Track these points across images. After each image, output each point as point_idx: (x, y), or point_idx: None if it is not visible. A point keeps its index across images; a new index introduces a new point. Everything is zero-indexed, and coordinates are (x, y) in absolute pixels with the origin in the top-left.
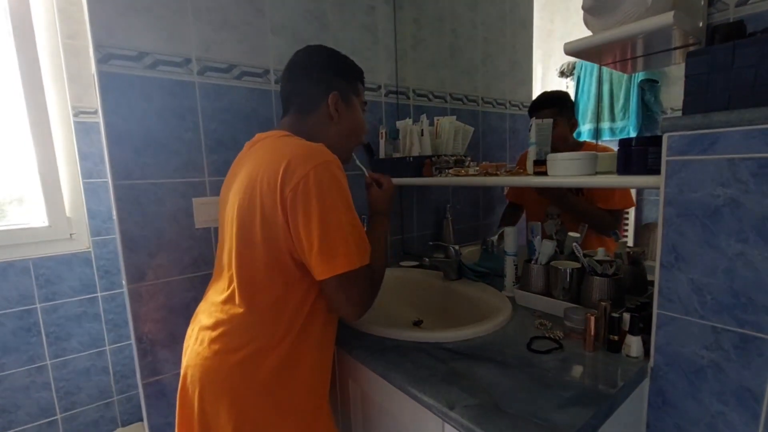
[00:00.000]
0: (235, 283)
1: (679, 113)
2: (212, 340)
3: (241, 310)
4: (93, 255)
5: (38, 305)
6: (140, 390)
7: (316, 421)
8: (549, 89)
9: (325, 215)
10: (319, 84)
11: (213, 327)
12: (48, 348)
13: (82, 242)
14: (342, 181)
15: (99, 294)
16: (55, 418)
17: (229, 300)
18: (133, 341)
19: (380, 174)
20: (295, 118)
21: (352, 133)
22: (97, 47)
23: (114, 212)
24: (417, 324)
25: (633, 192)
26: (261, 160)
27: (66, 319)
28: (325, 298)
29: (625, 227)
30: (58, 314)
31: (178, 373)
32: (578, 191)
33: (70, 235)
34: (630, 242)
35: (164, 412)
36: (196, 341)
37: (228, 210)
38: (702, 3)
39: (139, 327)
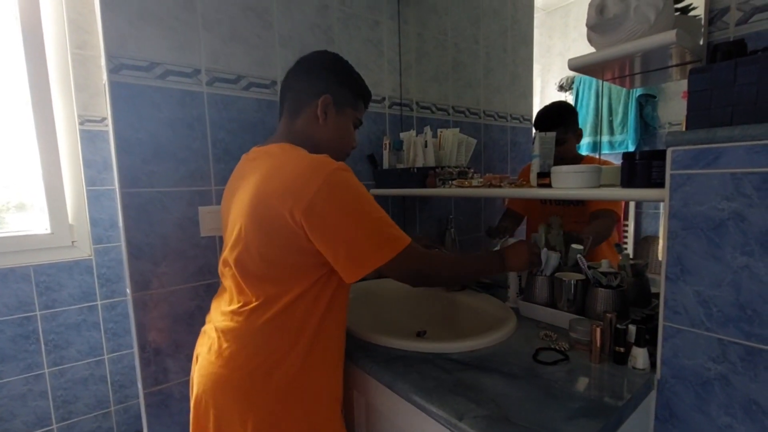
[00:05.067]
0: (246, 292)
1: (678, 127)
2: (223, 350)
3: (251, 318)
4: (94, 263)
5: (38, 312)
6: (141, 399)
7: (326, 429)
8: (548, 102)
9: (347, 228)
10: (315, 83)
11: (224, 336)
12: (46, 356)
13: (84, 250)
14: (352, 183)
15: (99, 302)
16: (51, 427)
17: (238, 309)
18: (135, 350)
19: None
20: (285, 124)
21: (338, 142)
22: (110, 57)
23: (120, 220)
24: (421, 335)
25: (632, 205)
26: (265, 177)
27: (65, 327)
28: (336, 303)
29: (625, 240)
30: (57, 322)
31: (181, 383)
32: (579, 202)
33: (72, 242)
34: (630, 255)
35: (165, 422)
36: (210, 351)
37: (232, 223)
38: (702, 22)
39: (143, 335)
